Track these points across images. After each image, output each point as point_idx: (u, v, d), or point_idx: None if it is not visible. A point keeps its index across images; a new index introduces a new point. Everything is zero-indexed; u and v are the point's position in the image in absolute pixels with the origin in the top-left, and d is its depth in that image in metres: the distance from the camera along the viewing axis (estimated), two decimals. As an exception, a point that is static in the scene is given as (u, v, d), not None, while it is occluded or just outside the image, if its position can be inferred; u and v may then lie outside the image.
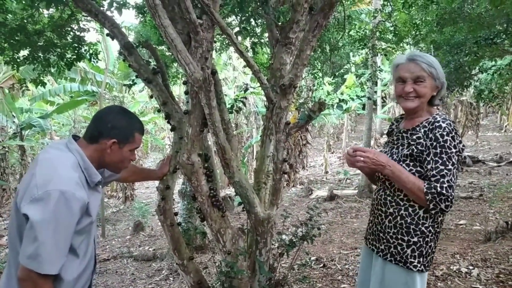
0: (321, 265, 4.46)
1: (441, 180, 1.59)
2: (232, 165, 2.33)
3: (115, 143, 1.58)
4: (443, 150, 1.62)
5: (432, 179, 1.61)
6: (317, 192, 10.74)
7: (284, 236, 2.97)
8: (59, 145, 1.57)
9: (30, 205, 1.34)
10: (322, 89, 10.77)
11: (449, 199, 1.59)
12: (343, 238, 5.88)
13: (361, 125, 19.27)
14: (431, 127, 1.68)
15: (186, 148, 2.25)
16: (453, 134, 1.64)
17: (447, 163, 1.61)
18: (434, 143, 1.64)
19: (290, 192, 11.80)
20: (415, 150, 1.70)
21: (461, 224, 6.03)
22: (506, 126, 19.61)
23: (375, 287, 1.83)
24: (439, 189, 1.58)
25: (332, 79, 9.84)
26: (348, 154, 1.78)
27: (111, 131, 1.58)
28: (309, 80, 10.61)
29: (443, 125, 1.64)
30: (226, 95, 12.87)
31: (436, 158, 1.63)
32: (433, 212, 1.66)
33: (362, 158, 1.70)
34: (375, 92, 9.73)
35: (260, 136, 2.74)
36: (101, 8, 3.33)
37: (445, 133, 1.63)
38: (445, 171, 1.60)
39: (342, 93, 13.46)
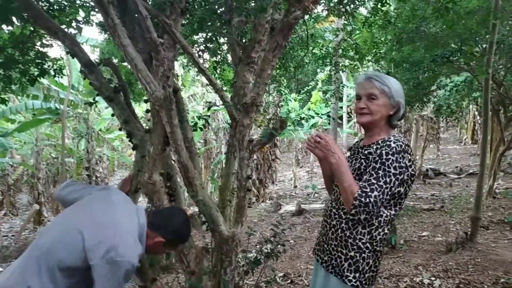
0: (289, 281, 4.46)
1: (369, 193, 1.61)
2: (195, 183, 2.32)
3: (162, 242, 1.81)
4: (382, 166, 1.65)
5: (363, 189, 1.63)
6: (286, 207, 10.78)
7: (250, 254, 2.97)
8: (131, 209, 1.80)
9: (105, 264, 1.55)
10: (288, 105, 10.93)
11: (370, 214, 1.65)
12: (310, 253, 5.90)
13: (328, 140, 19.62)
14: (382, 145, 1.72)
15: (147, 167, 2.23)
16: (400, 155, 1.66)
17: (380, 179, 1.63)
18: (377, 158, 1.68)
19: (259, 208, 11.79)
20: (363, 164, 1.75)
21: (423, 236, 6.20)
22: (465, 139, 20.45)
23: None
24: (367, 199, 1.60)
25: (298, 96, 9.99)
26: (308, 139, 1.82)
27: (167, 233, 1.81)
28: (276, 96, 10.75)
29: (392, 144, 1.68)
30: (194, 111, 12.81)
31: (372, 172, 1.67)
32: (350, 218, 1.74)
33: (318, 140, 1.76)
34: (341, 107, 9.97)
35: (225, 153, 2.75)
36: (62, 26, 3.27)
37: (390, 152, 1.66)
38: (376, 185, 1.62)
39: (309, 109, 13.70)
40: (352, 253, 1.74)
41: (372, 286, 1.84)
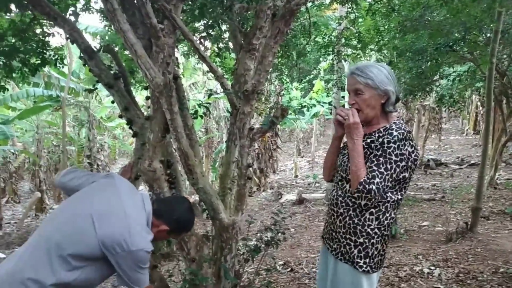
0: (289, 269, 4.48)
1: (371, 180, 1.65)
2: (195, 171, 2.31)
3: (166, 230, 1.83)
4: (383, 154, 1.68)
5: (367, 176, 1.67)
6: (287, 196, 10.80)
7: (250, 242, 2.97)
8: (137, 196, 1.80)
9: (123, 255, 1.61)
10: (290, 94, 10.88)
11: (371, 200, 1.68)
12: (311, 241, 5.93)
13: (329, 130, 19.64)
14: (384, 133, 1.73)
15: (148, 154, 2.22)
16: (402, 143, 1.68)
17: (381, 166, 1.66)
18: (378, 146, 1.71)
19: (260, 197, 11.83)
20: (368, 153, 1.75)
21: (424, 226, 6.21)
22: (467, 130, 20.41)
23: (329, 284, 1.90)
24: (370, 186, 1.64)
25: (300, 84, 9.93)
26: (338, 113, 1.86)
27: (171, 221, 1.83)
28: (278, 85, 10.70)
29: (394, 133, 1.70)
30: (195, 99, 12.76)
31: (373, 159, 1.70)
32: (357, 204, 1.75)
33: (343, 114, 1.80)
34: (343, 97, 9.90)
35: (226, 141, 2.74)
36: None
37: (392, 140, 1.68)
38: (377, 172, 1.66)
39: (310, 98, 13.64)
40: (361, 240, 1.77)
41: (381, 269, 1.88)
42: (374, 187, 1.63)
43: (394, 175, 1.67)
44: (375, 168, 1.66)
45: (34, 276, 1.56)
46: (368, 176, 1.66)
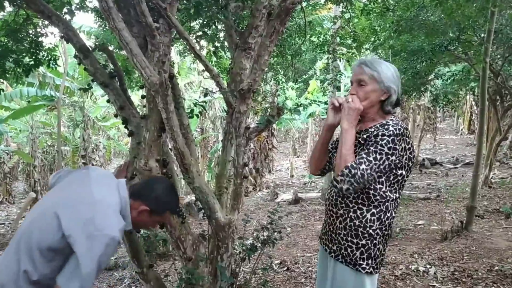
0: (285, 268, 4.48)
1: (358, 165, 1.62)
2: (191, 170, 2.30)
3: (147, 211, 1.75)
4: (375, 145, 1.65)
5: (355, 161, 1.64)
6: (283, 195, 10.81)
7: (247, 241, 2.97)
8: (111, 183, 1.74)
9: (84, 240, 1.51)
10: (285, 93, 10.89)
11: (353, 185, 1.62)
12: (307, 240, 5.94)
13: (325, 129, 19.70)
14: (380, 128, 1.71)
15: (143, 153, 2.21)
16: (398, 138, 1.65)
17: (371, 154, 1.63)
18: (373, 138, 1.69)
19: (256, 197, 11.83)
20: (364, 150, 1.73)
21: (419, 224, 6.24)
22: (462, 129, 20.53)
23: (329, 285, 1.88)
24: (355, 170, 1.61)
25: (295, 84, 9.95)
26: (336, 98, 1.85)
27: (150, 200, 1.75)
28: (274, 85, 10.70)
29: (391, 128, 1.67)
30: (190, 99, 12.74)
31: (365, 148, 1.68)
32: (358, 206, 1.74)
33: (341, 100, 1.79)
34: (339, 96, 9.93)
35: (221, 140, 2.74)
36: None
37: (387, 134, 1.65)
38: (365, 159, 1.63)
39: (306, 98, 13.66)
40: (363, 241, 1.74)
41: (381, 268, 1.86)
42: (359, 172, 1.60)
43: (381, 167, 1.64)
44: (364, 156, 1.64)
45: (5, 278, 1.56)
46: (355, 161, 1.63)
